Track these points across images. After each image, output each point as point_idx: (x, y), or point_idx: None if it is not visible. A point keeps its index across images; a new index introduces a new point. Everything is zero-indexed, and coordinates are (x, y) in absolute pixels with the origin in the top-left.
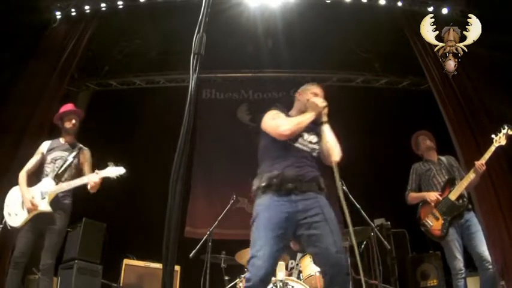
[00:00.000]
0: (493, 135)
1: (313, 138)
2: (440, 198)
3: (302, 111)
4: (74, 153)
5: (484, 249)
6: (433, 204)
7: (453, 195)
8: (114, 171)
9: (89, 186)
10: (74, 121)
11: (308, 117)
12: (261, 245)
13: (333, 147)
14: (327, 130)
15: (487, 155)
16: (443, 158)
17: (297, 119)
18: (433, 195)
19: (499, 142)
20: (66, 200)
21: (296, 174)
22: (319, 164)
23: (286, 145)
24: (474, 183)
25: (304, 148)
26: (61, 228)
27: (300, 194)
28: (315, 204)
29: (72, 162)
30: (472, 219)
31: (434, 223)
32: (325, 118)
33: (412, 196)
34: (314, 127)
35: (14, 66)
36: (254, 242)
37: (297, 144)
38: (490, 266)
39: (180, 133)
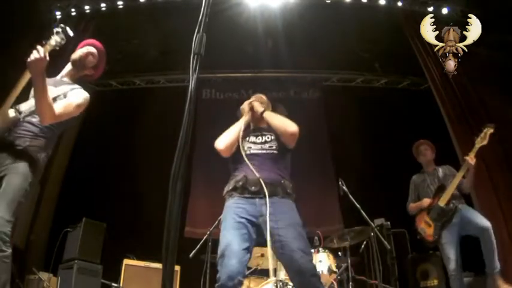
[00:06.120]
0: (475, 137)
1: (267, 137)
2: (432, 203)
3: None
4: None
5: (482, 222)
6: (426, 210)
7: (442, 201)
8: None
9: None
10: None
11: (239, 122)
12: (226, 243)
13: (283, 124)
14: (269, 116)
15: (473, 153)
16: (439, 168)
17: (230, 129)
18: (425, 202)
19: (481, 143)
20: None
21: (258, 177)
22: (283, 161)
23: (243, 155)
24: (469, 183)
25: (259, 151)
26: None
27: (264, 198)
28: (278, 209)
29: None
30: (465, 211)
31: (427, 230)
32: (260, 109)
33: (412, 206)
34: (265, 129)
35: (14, 66)
36: (221, 242)
37: (251, 151)
38: (490, 232)
39: (180, 133)
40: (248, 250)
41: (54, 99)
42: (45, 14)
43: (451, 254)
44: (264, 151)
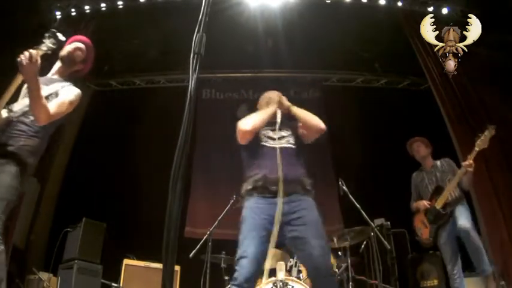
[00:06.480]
0: (476, 139)
1: (284, 132)
2: (428, 206)
3: None
4: None
5: (462, 222)
6: (423, 211)
7: (439, 204)
8: None
9: None
10: None
11: (268, 110)
12: (246, 245)
13: (311, 119)
14: (296, 111)
15: (472, 156)
16: (438, 164)
17: (256, 113)
18: (422, 204)
19: (482, 146)
20: None
21: (278, 176)
22: (300, 157)
23: (261, 148)
24: (468, 181)
25: (278, 146)
26: None
27: (285, 196)
28: (299, 206)
29: None
30: (456, 210)
31: (423, 230)
32: (287, 103)
33: (413, 206)
34: (283, 122)
35: (12, 66)
36: (240, 243)
37: (270, 145)
38: (472, 234)
39: (180, 133)
40: (267, 251)
41: (47, 98)
42: (45, 14)
43: (449, 254)
44: (282, 145)
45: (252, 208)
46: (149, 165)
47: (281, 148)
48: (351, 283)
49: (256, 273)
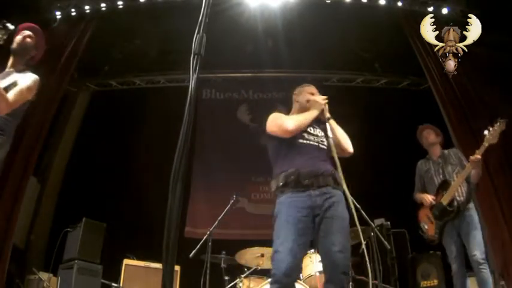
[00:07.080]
0: (485, 132)
1: (319, 132)
2: (433, 202)
3: (303, 111)
4: None
5: (475, 253)
6: (428, 207)
7: (445, 200)
8: None
9: None
10: None
11: (312, 114)
12: (282, 239)
13: (345, 139)
14: (334, 125)
15: (480, 152)
16: (445, 154)
17: (301, 116)
18: (427, 199)
19: (491, 141)
20: None
21: (311, 169)
22: (329, 157)
23: (295, 143)
24: (476, 175)
25: (311, 143)
26: None
27: (318, 189)
28: (330, 200)
29: None
30: (468, 218)
31: (429, 226)
32: (328, 115)
33: (416, 197)
34: (317, 124)
35: None
36: (276, 237)
37: (304, 140)
38: (482, 267)
39: (180, 133)
40: (305, 245)
41: (6, 89)
42: (45, 14)
43: (453, 253)
44: (316, 143)
45: (285, 203)
46: (149, 165)
47: (315, 145)
48: (351, 283)
49: (296, 267)
